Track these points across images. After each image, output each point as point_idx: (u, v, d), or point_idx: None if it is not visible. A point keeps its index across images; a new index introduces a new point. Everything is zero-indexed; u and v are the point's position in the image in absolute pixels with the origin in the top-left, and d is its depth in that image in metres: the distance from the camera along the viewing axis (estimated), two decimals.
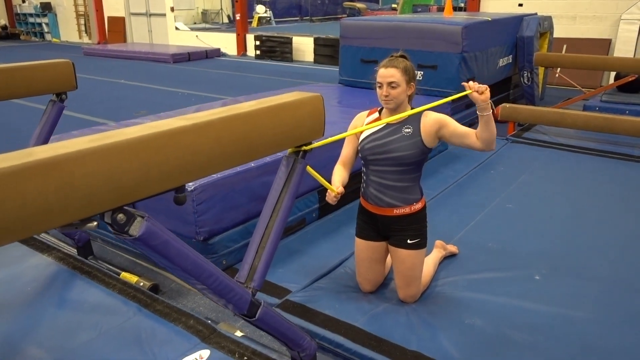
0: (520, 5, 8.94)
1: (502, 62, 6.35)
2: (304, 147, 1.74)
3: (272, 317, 1.71)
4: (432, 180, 4.08)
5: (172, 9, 14.27)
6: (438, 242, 2.85)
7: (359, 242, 2.50)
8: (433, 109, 2.30)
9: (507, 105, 5.30)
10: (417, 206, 2.36)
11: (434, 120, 2.29)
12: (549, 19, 7.06)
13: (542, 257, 2.86)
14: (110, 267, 2.84)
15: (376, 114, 2.42)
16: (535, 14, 7.07)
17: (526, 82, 6.64)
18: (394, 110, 2.31)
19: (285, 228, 3.14)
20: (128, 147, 1.19)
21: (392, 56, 2.33)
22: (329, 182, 2.24)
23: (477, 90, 2.12)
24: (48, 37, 17.66)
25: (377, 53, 5.73)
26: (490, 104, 2.15)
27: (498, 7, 9.14)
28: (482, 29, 5.63)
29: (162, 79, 9.10)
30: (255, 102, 1.56)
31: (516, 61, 6.72)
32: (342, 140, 2.45)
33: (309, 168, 1.84)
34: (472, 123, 6.01)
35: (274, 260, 2.88)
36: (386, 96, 2.25)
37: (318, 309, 2.37)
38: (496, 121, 5.44)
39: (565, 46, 8.43)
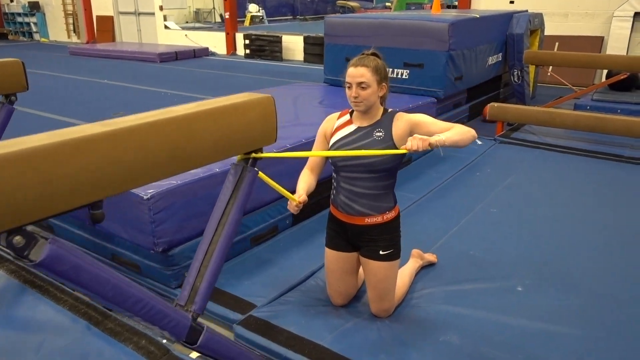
0: (512, 2, 8.79)
1: (492, 60, 6.19)
2: (254, 155, 1.57)
3: (218, 342, 1.55)
4: (416, 182, 3.92)
5: (161, 8, 14.06)
6: (415, 252, 2.68)
7: (328, 252, 2.34)
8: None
9: (495, 104, 5.15)
10: (390, 215, 2.20)
11: (405, 123, 2.13)
12: (539, 16, 6.90)
13: (525, 266, 2.70)
14: None
15: (347, 116, 2.25)
16: (526, 11, 6.92)
17: (516, 80, 6.48)
18: (365, 113, 2.15)
19: (256, 236, 3.01)
20: (25, 158, 1.02)
21: (362, 54, 2.16)
22: (293, 190, 2.08)
23: (415, 150, 1.89)
24: (37, 36, 17.41)
25: (362, 51, 5.57)
26: (437, 143, 1.91)
27: (489, 4, 8.99)
28: (469, 26, 5.47)
29: (147, 79, 8.91)
30: (193, 105, 1.39)
31: (506, 59, 6.56)
32: (309, 146, 2.30)
33: (262, 175, 1.67)
34: (462, 123, 5.85)
35: (240, 272, 2.73)
36: (355, 97, 2.08)
37: (282, 326, 2.20)
38: (484, 121, 5.34)
39: (557, 44, 8.29)
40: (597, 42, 8.18)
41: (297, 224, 3.24)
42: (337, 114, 2.29)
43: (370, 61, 2.10)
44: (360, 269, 2.42)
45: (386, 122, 2.14)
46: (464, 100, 5.96)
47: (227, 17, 12.68)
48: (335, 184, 2.24)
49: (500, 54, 6.41)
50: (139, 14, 14.78)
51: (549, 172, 4.15)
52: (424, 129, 2.10)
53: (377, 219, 2.18)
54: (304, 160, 2.31)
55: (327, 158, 2.24)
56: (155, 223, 2.36)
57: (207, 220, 2.61)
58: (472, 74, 5.72)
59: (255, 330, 2.17)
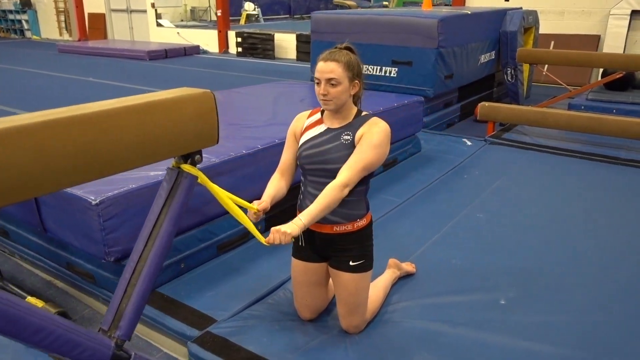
0: (507, 0, 8.60)
1: (484, 58, 6.01)
2: (185, 167, 1.38)
3: None
4: (400, 185, 3.73)
5: (153, 5, 13.85)
6: (392, 261, 2.49)
7: (295, 262, 2.16)
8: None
9: (486, 104, 4.96)
10: (361, 223, 2.01)
11: (364, 132, 1.91)
12: (534, 13, 6.72)
13: (511, 276, 2.51)
14: (17, 290, 2.48)
15: (318, 115, 2.06)
16: (520, 8, 6.73)
17: (510, 79, 6.31)
18: (336, 113, 1.96)
19: (225, 242, 2.82)
20: None
21: (335, 48, 1.97)
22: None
23: (272, 243, 1.79)
24: (28, 34, 17.19)
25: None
26: (297, 231, 1.77)
27: (484, 2, 8.80)
28: (460, 22, 5.28)
29: (133, 77, 8.71)
30: (113, 101, 1.20)
31: (499, 57, 6.38)
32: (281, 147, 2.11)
33: (207, 181, 1.48)
34: (450, 123, 5.68)
35: (203, 282, 2.54)
36: (324, 95, 1.89)
37: (242, 344, 2.02)
38: (475, 120, 5.16)
39: (552, 42, 8.11)
40: (594, 41, 8.00)
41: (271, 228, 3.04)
42: (308, 112, 2.11)
43: (342, 56, 1.91)
44: (331, 281, 2.23)
45: (356, 125, 1.95)
46: (455, 100, 5.78)
47: (219, 14, 12.48)
48: (302, 188, 2.05)
49: (493, 52, 6.23)
50: (131, 11, 14.58)
51: (541, 175, 3.97)
52: (358, 148, 1.89)
53: (347, 227, 1.99)
54: (276, 162, 2.12)
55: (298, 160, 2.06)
56: (105, 230, 2.17)
57: None
58: (464, 73, 5.54)
59: (211, 348, 1.98)
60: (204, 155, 2.64)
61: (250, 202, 1.89)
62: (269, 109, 3.91)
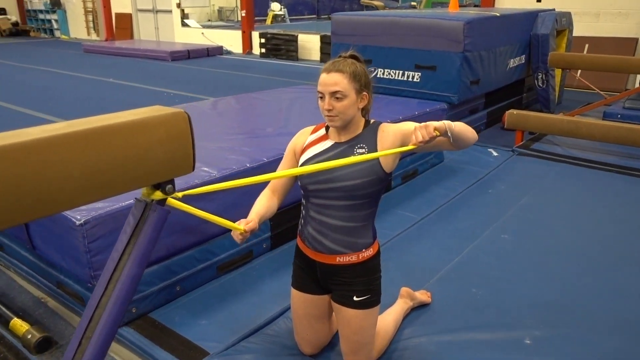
0: (539, 1, 8.23)
1: (513, 62, 5.70)
2: (156, 195, 1.18)
3: None
4: (419, 200, 3.49)
5: (178, 5, 13.85)
6: (404, 290, 2.27)
7: (294, 294, 1.95)
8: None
9: (515, 111, 4.66)
10: (367, 253, 1.80)
11: (393, 135, 1.72)
12: (567, 15, 6.37)
13: (538, 311, 2.26)
14: (4, 310, 2.33)
15: (322, 131, 1.85)
16: (553, 10, 6.39)
17: (540, 84, 5.98)
18: (343, 129, 1.75)
19: (226, 263, 2.63)
20: None
21: (339, 57, 1.76)
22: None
23: (421, 141, 1.56)
24: (58, 34, 17.43)
25: (371, 51, 5.16)
26: (442, 127, 1.58)
27: (515, 3, 8.44)
28: (488, 25, 5.00)
29: (153, 78, 8.64)
30: (60, 126, 1.01)
31: (530, 62, 6.06)
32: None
33: (179, 204, 1.28)
34: (476, 131, 5.38)
35: (198, 308, 2.34)
36: (329, 110, 1.68)
37: None
38: (503, 128, 4.87)
39: (587, 46, 7.71)
40: (631, 44, 7.57)
41: (278, 247, 2.85)
42: (312, 127, 1.90)
43: (347, 66, 1.69)
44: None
45: (369, 135, 1.74)
46: (482, 106, 5.49)
47: (243, 15, 12.38)
48: (303, 212, 1.84)
49: (524, 56, 5.92)
50: (157, 11, 14.62)
51: (573, 191, 3.67)
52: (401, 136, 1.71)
53: (351, 258, 1.78)
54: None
55: (295, 178, 1.85)
56: (91, 252, 2.00)
57: (161, 248, 2.27)
58: (491, 78, 5.25)
59: None
60: (203, 169, 2.50)
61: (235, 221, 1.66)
62: (282, 116, 3.72)
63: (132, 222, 1.19)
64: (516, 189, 3.66)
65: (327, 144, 1.79)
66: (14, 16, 18.04)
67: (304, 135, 1.88)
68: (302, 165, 1.79)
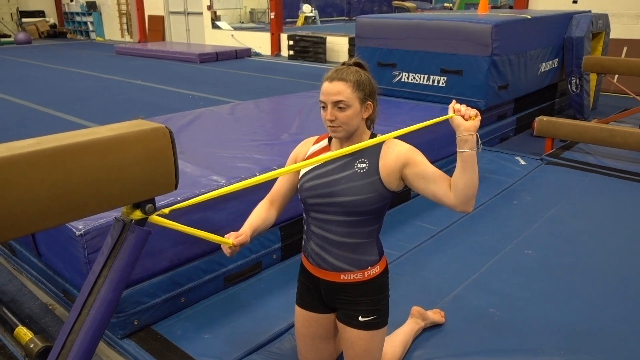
0: (575, 2, 7.94)
1: (545, 66, 5.49)
2: (135, 214, 1.11)
3: None
4: (439, 211, 3.34)
5: (209, 8, 13.97)
6: (415, 310, 2.15)
7: (298, 311, 1.87)
8: (402, 137, 1.62)
9: (545, 118, 4.47)
10: (374, 271, 1.70)
11: (397, 154, 1.61)
12: (604, 17, 6.09)
13: (560, 335, 2.11)
14: (10, 316, 2.32)
15: (325, 142, 1.76)
16: (589, 11, 6.13)
17: (574, 89, 5.74)
18: (346, 140, 1.65)
19: (234, 274, 2.56)
20: None
21: (342, 64, 1.67)
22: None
23: (463, 115, 1.51)
24: (93, 35, 17.83)
25: (396, 55, 5.05)
26: (476, 139, 1.50)
27: (549, 4, 8.16)
28: (518, 28, 4.81)
29: (181, 80, 8.69)
30: (27, 143, 0.95)
31: (563, 66, 5.82)
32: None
33: (162, 221, 1.21)
34: (504, 137, 5.20)
35: (202, 321, 2.27)
36: (332, 121, 1.59)
37: None
38: (533, 135, 4.67)
39: (625, 49, 7.39)
40: None
41: (289, 258, 2.77)
42: (315, 138, 1.81)
43: (350, 74, 1.60)
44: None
45: (372, 149, 1.64)
46: (511, 112, 5.30)
47: (272, 17, 12.38)
48: (305, 227, 1.76)
49: (557, 59, 5.69)
50: (188, 13, 14.78)
51: (605, 204, 3.47)
52: (418, 168, 1.59)
53: (357, 276, 1.68)
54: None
55: (295, 189, 1.77)
56: (91, 264, 1.95)
57: (165, 259, 2.22)
58: (521, 83, 5.07)
59: None
60: (212, 177, 2.44)
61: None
62: (299, 122, 3.63)
63: (109, 243, 1.13)
64: (543, 201, 3.48)
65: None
66: (52, 18, 18.56)
67: (306, 146, 1.79)
68: (302, 177, 1.70)
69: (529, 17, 5.04)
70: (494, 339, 2.10)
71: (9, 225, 0.91)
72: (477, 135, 1.52)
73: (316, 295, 1.79)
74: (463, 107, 1.53)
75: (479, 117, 1.53)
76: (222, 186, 2.36)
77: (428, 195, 1.59)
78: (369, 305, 1.71)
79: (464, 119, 1.52)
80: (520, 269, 2.63)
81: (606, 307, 2.31)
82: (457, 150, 1.53)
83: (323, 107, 1.61)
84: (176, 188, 1.16)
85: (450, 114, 1.54)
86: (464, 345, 2.06)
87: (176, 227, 1.24)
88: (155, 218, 1.16)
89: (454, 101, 1.57)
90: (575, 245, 2.88)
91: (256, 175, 2.48)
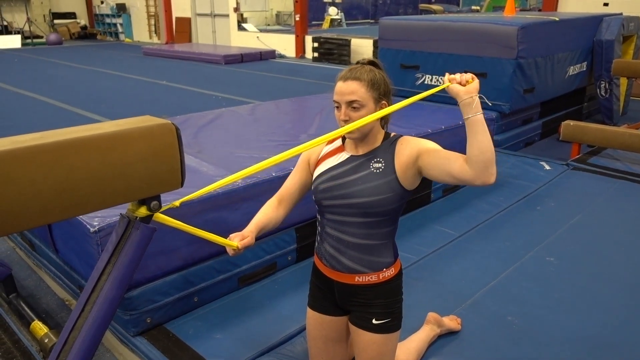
0: (606, 4, 7.75)
1: (573, 70, 5.35)
2: (140, 211, 1.10)
3: None
4: (459, 215, 3.28)
5: (235, 10, 14.09)
6: (431, 316, 2.10)
7: (310, 314, 1.84)
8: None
9: (571, 122, 4.35)
10: (389, 273, 1.66)
11: (410, 149, 1.57)
12: (636, 19, 5.92)
13: (580, 346, 2.04)
14: (27, 310, 2.36)
15: (339, 142, 1.74)
16: (621, 14, 5.96)
17: (603, 94, 5.58)
18: (360, 141, 1.62)
19: (248, 274, 2.55)
20: None
21: (357, 63, 1.64)
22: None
23: (459, 82, 1.47)
24: (122, 37, 18.17)
25: (419, 57, 4.99)
26: (477, 100, 1.44)
27: (579, 6, 7.98)
28: (545, 30, 4.70)
29: (205, 81, 8.78)
30: (31, 137, 0.95)
31: (592, 69, 5.68)
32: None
33: (166, 219, 1.20)
34: (529, 142, 5.08)
35: (214, 321, 2.26)
36: (346, 121, 1.56)
37: None
38: (559, 140, 4.55)
39: None
40: None
41: (304, 260, 2.74)
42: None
43: (364, 73, 1.57)
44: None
45: (387, 149, 1.61)
46: (536, 116, 5.19)
47: (297, 19, 12.42)
48: (319, 228, 1.73)
49: (585, 63, 5.55)
50: (215, 15, 14.93)
51: (632, 212, 3.35)
52: (432, 154, 1.55)
53: (371, 278, 1.65)
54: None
55: (305, 189, 1.75)
56: None
57: (179, 258, 2.22)
58: (547, 86, 4.95)
59: None
60: (225, 177, 2.43)
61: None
62: (318, 122, 3.61)
63: (114, 239, 1.12)
64: (567, 207, 3.38)
65: (343, 156, 1.67)
66: (83, 20, 18.98)
67: (320, 146, 1.77)
68: (316, 178, 1.68)
69: (557, 19, 4.92)
70: (511, 348, 2.04)
71: (10, 219, 0.90)
72: (480, 98, 1.46)
73: (329, 297, 1.76)
74: (458, 75, 1.48)
75: (477, 80, 1.48)
76: (236, 186, 2.35)
77: (446, 177, 1.53)
78: (383, 308, 1.67)
79: (461, 85, 1.47)
80: (541, 276, 2.55)
81: (630, 320, 2.22)
82: (464, 118, 1.47)
83: (337, 107, 1.59)
84: (182, 185, 1.15)
85: (446, 83, 1.50)
86: (480, 353, 2.01)
87: (179, 226, 1.23)
88: (159, 216, 1.15)
89: (447, 73, 1.52)
90: (600, 254, 2.79)
91: (272, 175, 2.50)
